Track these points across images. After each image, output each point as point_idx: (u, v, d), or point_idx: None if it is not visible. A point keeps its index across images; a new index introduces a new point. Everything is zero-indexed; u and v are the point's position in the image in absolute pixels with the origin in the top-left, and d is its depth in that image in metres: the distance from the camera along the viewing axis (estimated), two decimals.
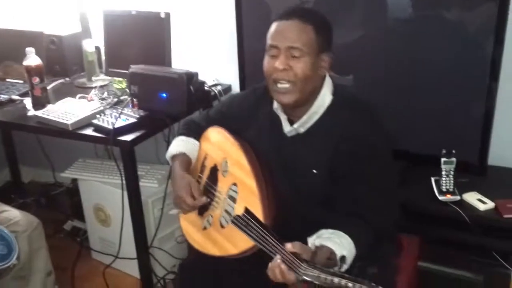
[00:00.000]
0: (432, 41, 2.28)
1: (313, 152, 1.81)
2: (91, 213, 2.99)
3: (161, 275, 2.83)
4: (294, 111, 1.83)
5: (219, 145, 2.05)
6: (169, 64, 2.78)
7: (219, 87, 2.87)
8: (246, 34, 2.70)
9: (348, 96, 1.85)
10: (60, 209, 3.47)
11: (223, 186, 1.96)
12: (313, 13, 1.81)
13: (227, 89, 2.98)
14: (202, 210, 2.01)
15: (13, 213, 2.46)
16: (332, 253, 1.56)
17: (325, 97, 1.81)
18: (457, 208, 2.21)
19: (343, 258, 1.57)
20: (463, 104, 2.32)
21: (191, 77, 2.54)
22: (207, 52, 3.08)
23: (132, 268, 2.84)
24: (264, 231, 1.54)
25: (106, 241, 2.99)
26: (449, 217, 2.23)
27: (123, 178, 2.51)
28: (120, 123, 2.43)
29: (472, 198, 2.25)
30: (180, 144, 2.10)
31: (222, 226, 1.91)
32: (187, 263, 2.18)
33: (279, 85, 1.75)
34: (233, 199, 1.90)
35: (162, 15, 2.76)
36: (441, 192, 2.27)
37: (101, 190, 2.87)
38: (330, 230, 1.64)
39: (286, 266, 1.50)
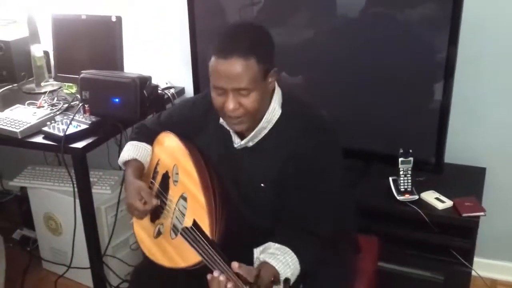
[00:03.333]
0: (388, 40, 2.18)
1: (261, 165, 1.68)
2: (42, 221, 2.77)
3: (116, 284, 2.62)
4: None
5: (170, 151, 1.87)
6: (121, 68, 2.61)
7: (172, 90, 2.69)
8: (199, 35, 2.54)
9: (297, 109, 1.67)
10: (8, 218, 3.22)
11: (174, 195, 1.78)
12: (252, 38, 1.53)
13: (181, 91, 2.82)
14: (154, 217, 1.83)
15: None
16: (275, 275, 1.48)
17: (274, 112, 1.64)
18: (416, 208, 2.12)
19: (286, 280, 1.45)
20: (419, 103, 2.22)
21: (144, 82, 2.38)
22: (159, 54, 2.92)
23: (85, 278, 2.63)
24: (210, 247, 1.41)
25: (57, 250, 2.77)
26: (408, 216, 2.14)
27: (75, 185, 2.32)
28: (71, 129, 2.25)
29: (430, 197, 2.17)
30: (131, 149, 1.91)
31: (172, 237, 1.72)
32: (141, 267, 1.97)
33: (232, 118, 1.60)
34: (183, 210, 1.72)
35: (113, 19, 2.60)
36: (400, 192, 2.18)
37: (52, 198, 2.66)
38: (276, 245, 1.55)
39: (231, 285, 1.39)
